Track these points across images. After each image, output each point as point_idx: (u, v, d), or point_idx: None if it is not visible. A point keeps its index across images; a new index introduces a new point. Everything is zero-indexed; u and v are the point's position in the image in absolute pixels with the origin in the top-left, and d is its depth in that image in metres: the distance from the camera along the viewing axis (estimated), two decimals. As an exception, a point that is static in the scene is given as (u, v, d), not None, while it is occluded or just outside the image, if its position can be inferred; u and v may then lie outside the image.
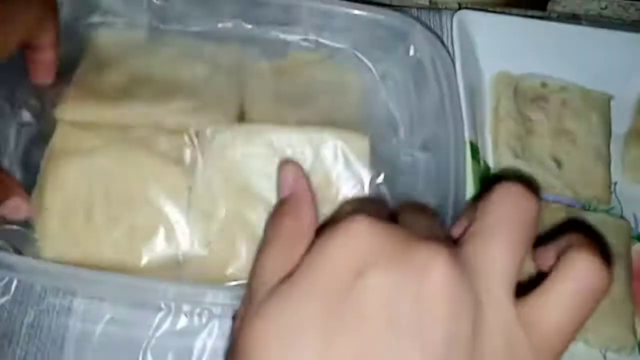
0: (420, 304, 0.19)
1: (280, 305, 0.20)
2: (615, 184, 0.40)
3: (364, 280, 0.19)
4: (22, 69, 0.33)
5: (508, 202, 0.22)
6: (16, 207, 0.30)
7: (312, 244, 0.22)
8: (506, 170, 0.39)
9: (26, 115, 0.33)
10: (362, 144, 0.33)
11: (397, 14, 0.36)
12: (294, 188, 0.26)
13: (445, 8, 0.46)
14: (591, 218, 0.38)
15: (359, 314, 0.19)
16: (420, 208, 0.26)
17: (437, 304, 0.19)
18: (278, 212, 0.25)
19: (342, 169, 0.32)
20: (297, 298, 0.20)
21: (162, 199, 0.31)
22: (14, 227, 0.31)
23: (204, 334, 0.35)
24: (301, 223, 0.24)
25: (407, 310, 0.19)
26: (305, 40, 0.37)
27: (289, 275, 0.21)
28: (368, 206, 0.27)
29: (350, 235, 0.20)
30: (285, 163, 0.27)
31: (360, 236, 0.20)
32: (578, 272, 0.21)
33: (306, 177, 0.26)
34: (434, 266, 0.19)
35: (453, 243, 0.22)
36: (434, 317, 0.19)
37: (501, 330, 0.20)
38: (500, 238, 0.21)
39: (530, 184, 0.24)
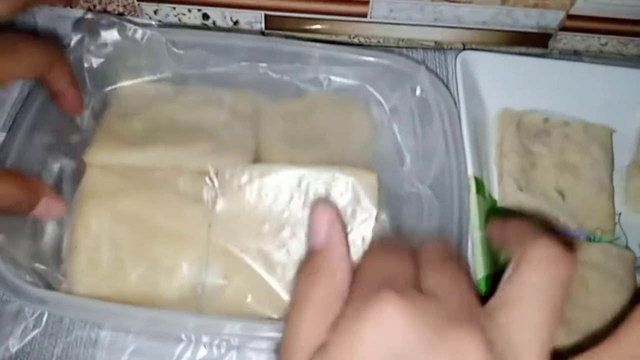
0: None
1: None
2: (620, 214, 0.41)
3: None
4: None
5: (550, 266, 0.21)
6: (48, 207, 0.32)
7: (343, 315, 0.21)
8: (512, 206, 0.40)
9: (61, 161, 0.36)
10: (371, 180, 0.34)
11: (403, 58, 0.39)
12: (328, 237, 0.23)
13: (450, 48, 0.48)
14: (596, 249, 0.39)
15: None
16: (443, 256, 0.24)
17: None
18: (311, 268, 0.23)
19: (353, 205, 0.34)
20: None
21: (183, 236, 0.33)
22: (43, 266, 0.33)
23: (223, 364, 0.36)
24: (336, 281, 0.22)
25: None
26: (316, 82, 0.39)
27: (323, 347, 0.20)
28: (392, 255, 0.24)
29: (383, 320, 0.20)
30: (318, 204, 0.24)
31: (393, 323, 0.19)
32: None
33: (342, 221, 0.23)
34: (469, 353, 0.19)
35: (481, 304, 0.22)
36: None
37: None
38: (540, 308, 0.21)
39: (567, 242, 0.23)
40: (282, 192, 0.33)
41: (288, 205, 0.33)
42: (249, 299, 0.31)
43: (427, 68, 0.38)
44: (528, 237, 0.23)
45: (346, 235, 0.23)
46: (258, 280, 0.32)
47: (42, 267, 0.33)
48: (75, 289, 0.33)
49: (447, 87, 0.38)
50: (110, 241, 0.33)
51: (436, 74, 0.39)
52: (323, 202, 0.24)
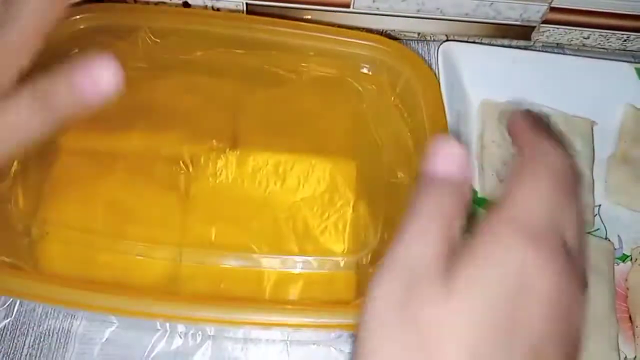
0: None
1: (471, 292, 0.20)
2: (599, 206, 0.41)
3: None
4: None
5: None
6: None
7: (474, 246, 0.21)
8: (492, 196, 0.40)
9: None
10: (349, 168, 0.34)
11: (385, 47, 0.38)
12: (464, 169, 0.22)
13: (433, 40, 0.48)
14: (575, 240, 0.39)
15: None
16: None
17: None
18: (446, 184, 0.22)
19: (330, 192, 0.34)
20: (489, 284, 0.20)
21: (158, 222, 0.32)
22: (10, 258, 0.32)
23: (198, 354, 0.36)
24: (463, 205, 0.22)
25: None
26: (296, 69, 0.38)
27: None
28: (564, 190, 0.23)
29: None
30: (448, 139, 0.23)
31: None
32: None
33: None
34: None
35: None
36: None
37: None
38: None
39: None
40: (258, 177, 0.33)
41: (265, 192, 0.32)
42: (223, 285, 0.31)
43: (413, 56, 0.38)
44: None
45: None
46: (232, 264, 0.32)
47: (8, 259, 0.32)
48: (47, 275, 0.32)
49: (435, 75, 0.38)
50: (82, 228, 0.32)
51: (425, 61, 0.39)
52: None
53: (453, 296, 0.20)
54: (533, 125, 0.26)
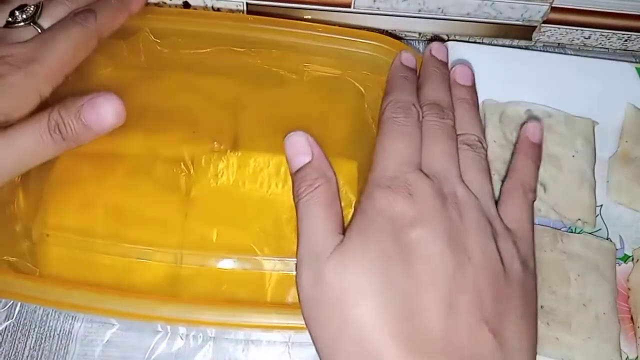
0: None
1: (358, 245, 0.26)
2: (601, 206, 0.41)
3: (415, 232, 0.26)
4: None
5: None
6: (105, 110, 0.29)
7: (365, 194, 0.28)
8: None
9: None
10: (350, 168, 0.34)
11: (385, 47, 0.38)
12: (313, 150, 0.29)
13: (434, 40, 0.48)
14: (577, 240, 0.39)
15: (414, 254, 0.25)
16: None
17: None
18: (309, 180, 0.28)
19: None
20: (379, 234, 0.26)
21: (158, 224, 0.32)
22: (14, 258, 0.32)
23: (199, 355, 0.36)
24: (333, 184, 0.28)
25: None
26: (297, 69, 0.38)
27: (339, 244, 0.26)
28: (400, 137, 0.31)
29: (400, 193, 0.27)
30: (295, 133, 0.30)
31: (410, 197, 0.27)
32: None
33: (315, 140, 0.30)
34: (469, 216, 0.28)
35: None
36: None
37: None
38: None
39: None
40: (260, 179, 0.32)
41: (266, 193, 0.32)
42: (224, 287, 0.31)
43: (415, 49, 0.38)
44: None
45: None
46: (234, 267, 0.32)
47: (12, 258, 0.32)
48: (47, 278, 0.32)
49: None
50: (82, 229, 0.32)
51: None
52: (295, 133, 0.30)
53: (347, 252, 0.25)
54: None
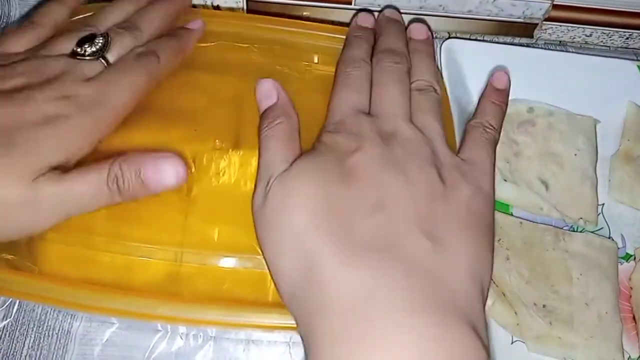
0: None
1: (302, 168, 0.28)
2: (603, 205, 0.41)
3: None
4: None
5: None
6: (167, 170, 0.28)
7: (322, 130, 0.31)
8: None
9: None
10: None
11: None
12: (279, 93, 0.32)
13: (435, 37, 0.47)
14: (579, 238, 0.38)
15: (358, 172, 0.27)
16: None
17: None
18: (272, 116, 0.31)
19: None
20: (321, 160, 0.28)
21: (158, 222, 0.32)
22: (12, 255, 0.32)
23: (199, 355, 0.35)
24: (294, 120, 0.31)
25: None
26: (299, 68, 0.38)
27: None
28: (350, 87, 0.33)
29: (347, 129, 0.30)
30: (263, 80, 0.33)
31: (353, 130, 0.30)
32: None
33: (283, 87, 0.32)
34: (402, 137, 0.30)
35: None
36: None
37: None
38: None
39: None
40: None
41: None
42: (226, 287, 0.30)
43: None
44: None
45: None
46: (236, 266, 0.31)
47: (10, 256, 0.31)
48: (46, 277, 0.32)
49: (440, 71, 0.38)
50: (82, 227, 0.32)
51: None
52: (266, 79, 0.33)
53: (290, 173, 0.28)
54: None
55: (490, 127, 0.33)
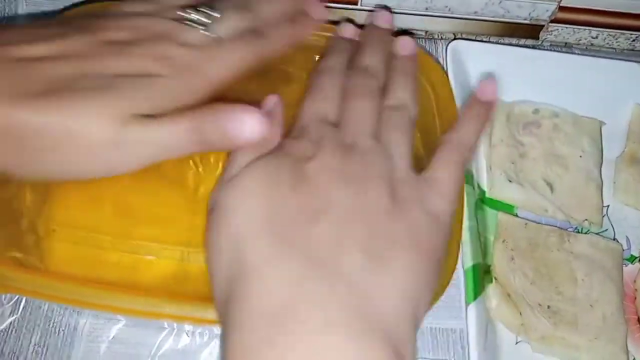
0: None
1: (254, 171, 0.27)
2: (607, 207, 0.41)
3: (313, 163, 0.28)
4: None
5: None
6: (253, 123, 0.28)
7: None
8: (501, 197, 0.40)
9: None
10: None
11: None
12: (270, 107, 0.30)
13: (441, 38, 0.47)
14: (584, 240, 0.39)
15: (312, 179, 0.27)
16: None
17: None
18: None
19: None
20: (274, 163, 0.28)
21: (166, 221, 0.32)
22: (20, 254, 0.32)
23: (205, 353, 0.35)
24: (271, 140, 0.29)
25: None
26: (306, 67, 0.38)
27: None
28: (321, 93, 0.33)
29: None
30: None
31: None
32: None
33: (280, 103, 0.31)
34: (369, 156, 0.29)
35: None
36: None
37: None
38: None
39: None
40: None
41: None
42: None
43: (423, 55, 0.38)
44: None
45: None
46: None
47: (19, 254, 0.32)
48: (53, 273, 0.32)
49: (445, 73, 0.38)
50: (90, 226, 0.32)
51: (436, 60, 0.39)
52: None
53: (241, 174, 0.27)
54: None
55: (463, 146, 0.31)
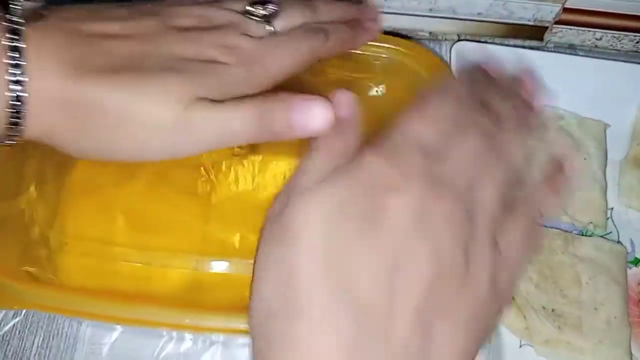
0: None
1: (332, 190, 0.24)
2: (612, 209, 0.41)
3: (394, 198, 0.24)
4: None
5: None
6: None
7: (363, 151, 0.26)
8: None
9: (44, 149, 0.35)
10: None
11: (402, 49, 0.38)
12: (347, 112, 0.28)
13: (445, 39, 0.47)
14: (588, 243, 0.38)
15: (388, 218, 0.24)
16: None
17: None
18: (335, 127, 0.27)
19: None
20: (350, 190, 0.24)
21: (178, 230, 0.32)
22: (32, 268, 0.32)
23: (206, 356, 0.35)
24: (348, 145, 0.27)
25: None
26: (314, 71, 0.38)
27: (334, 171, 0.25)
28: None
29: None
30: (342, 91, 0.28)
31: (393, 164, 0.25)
32: None
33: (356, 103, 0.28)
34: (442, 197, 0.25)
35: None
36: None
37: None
38: None
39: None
40: (281, 183, 0.32)
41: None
42: (247, 294, 0.30)
43: (431, 56, 0.38)
44: None
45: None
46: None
47: (31, 268, 0.31)
48: (65, 284, 0.32)
49: (451, 73, 0.38)
50: (101, 238, 0.32)
51: (441, 59, 0.39)
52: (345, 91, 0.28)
53: (317, 191, 0.24)
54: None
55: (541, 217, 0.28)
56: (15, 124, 0.25)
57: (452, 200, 0.25)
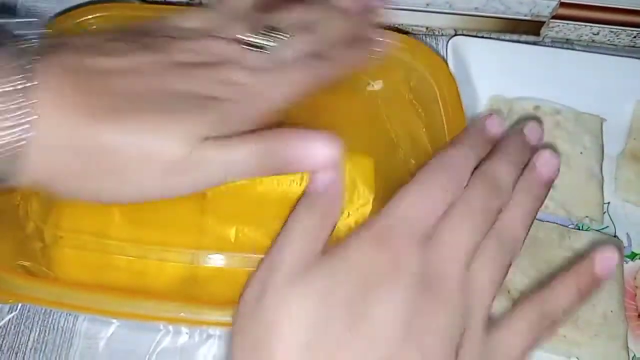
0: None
1: (316, 282, 0.24)
2: (608, 204, 0.41)
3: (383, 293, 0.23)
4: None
5: None
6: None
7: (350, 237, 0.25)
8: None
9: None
10: (367, 165, 0.34)
11: (398, 42, 0.38)
12: (330, 187, 0.27)
13: (442, 34, 0.47)
14: (584, 237, 0.38)
15: (376, 318, 0.23)
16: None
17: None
18: (313, 204, 0.26)
19: (349, 190, 0.33)
20: (335, 276, 0.24)
21: (174, 224, 0.31)
22: (27, 262, 0.32)
23: (203, 350, 0.35)
24: (330, 222, 0.26)
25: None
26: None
27: (323, 256, 0.24)
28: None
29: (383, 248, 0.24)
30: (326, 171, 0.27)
31: (393, 252, 0.24)
32: None
33: (341, 174, 0.27)
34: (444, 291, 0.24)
35: None
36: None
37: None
38: None
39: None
40: (277, 177, 0.32)
41: (284, 191, 0.32)
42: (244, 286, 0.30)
43: (428, 51, 0.38)
44: None
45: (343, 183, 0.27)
46: (254, 267, 0.31)
47: (26, 263, 0.31)
48: (60, 279, 0.32)
49: (449, 69, 0.37)
50: (97, 231, 0.31)
51: (438, 54, 0.38)
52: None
53: (299, 283, 0.24)
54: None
55: (548, 316, 0.26)
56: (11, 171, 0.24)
57: (442, 286, 0.24)
